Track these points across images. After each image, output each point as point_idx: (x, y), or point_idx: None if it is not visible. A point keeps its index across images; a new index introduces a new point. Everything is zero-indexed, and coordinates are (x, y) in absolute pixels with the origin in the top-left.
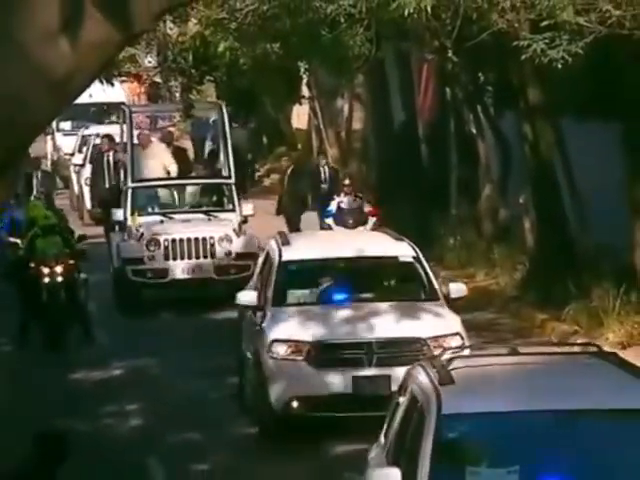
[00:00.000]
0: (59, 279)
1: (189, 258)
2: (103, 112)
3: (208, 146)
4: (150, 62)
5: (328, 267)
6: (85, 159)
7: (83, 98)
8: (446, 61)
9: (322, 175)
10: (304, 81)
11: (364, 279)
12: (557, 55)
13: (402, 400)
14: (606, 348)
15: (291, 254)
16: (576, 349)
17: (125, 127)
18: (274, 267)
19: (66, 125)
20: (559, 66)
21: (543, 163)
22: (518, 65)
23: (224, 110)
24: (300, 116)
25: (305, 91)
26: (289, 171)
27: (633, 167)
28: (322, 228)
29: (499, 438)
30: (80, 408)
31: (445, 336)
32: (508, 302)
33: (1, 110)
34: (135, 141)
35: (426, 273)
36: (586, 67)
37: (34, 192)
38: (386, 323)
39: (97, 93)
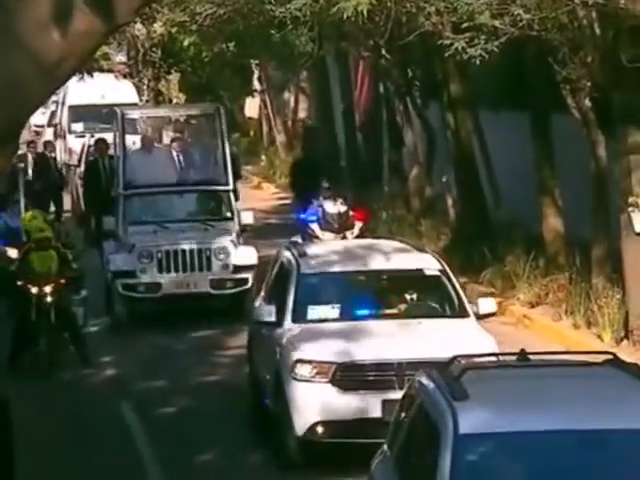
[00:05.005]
0: (48, 299)
1: (184, 271)
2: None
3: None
4: (120, 59)
5: (350, 280)
6: (80, 160)
7: (95, 99)
8: (379, 58)
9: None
10: (255, 76)
11: (388, 294)
12: (475, 53)
13: (408, 410)
14: (517, 307)
15: (310, 267)
16: (591, 358)
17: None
18: (292, 280)
19: (78, 127)
20: (477, 62)
21: (463, 148)
22: (442, 62)
23: (222, 113)
24: (252, 107)
25: (256, 84)
26: None
27: (540, 151)
28: (304, 233)
29: (518, 459)
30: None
31: (480, 356)
32: None
33: (2, 91)
34: (138, 145)
35: (454, 287)
36: (500, 64)
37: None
38: (416, 342)
39: (109, 93)
